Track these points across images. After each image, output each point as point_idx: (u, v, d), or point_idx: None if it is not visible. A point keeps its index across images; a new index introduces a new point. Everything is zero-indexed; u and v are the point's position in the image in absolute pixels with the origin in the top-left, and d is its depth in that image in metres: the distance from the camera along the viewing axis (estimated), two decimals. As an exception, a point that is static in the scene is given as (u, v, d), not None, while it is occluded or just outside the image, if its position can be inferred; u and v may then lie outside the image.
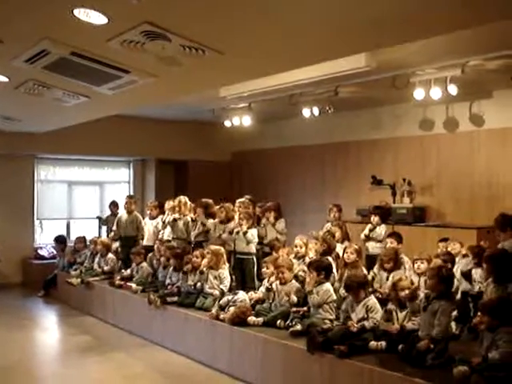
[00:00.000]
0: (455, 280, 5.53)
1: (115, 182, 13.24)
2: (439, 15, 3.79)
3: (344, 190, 10.91)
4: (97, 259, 9.50)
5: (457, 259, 6.51)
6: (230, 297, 6.49)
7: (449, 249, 6.81)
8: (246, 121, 10.45)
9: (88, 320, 8.56)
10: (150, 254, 8.73)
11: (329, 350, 4.90)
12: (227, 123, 10.81)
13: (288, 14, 3.84)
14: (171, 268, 7.72)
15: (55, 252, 11.20)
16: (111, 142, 11.79)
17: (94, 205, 12.76)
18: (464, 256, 6.48)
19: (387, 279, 6.47)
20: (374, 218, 8.01)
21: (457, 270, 6.15)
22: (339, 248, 7.14)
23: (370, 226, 8.03)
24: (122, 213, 9.69)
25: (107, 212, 11.34)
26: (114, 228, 9.67)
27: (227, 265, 7.14)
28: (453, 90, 7.56)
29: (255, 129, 11.11)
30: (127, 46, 4.61)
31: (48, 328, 8.49)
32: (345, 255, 6.65)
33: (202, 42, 4.51)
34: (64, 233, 11.86)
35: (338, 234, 7.46)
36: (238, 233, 7.53)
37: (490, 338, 4.19)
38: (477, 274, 6.02)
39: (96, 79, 5.92)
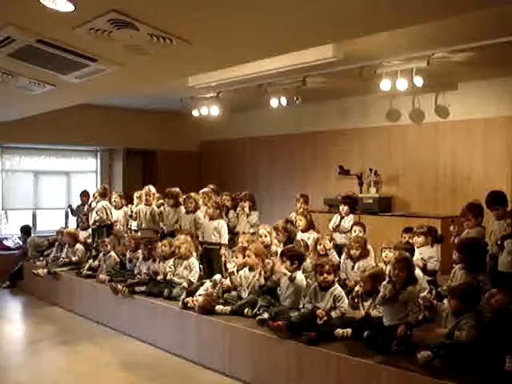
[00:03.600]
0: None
1: (82, 171, 13.09)
2: (410, 6, 3.85)
3: (311, 179, 11.01)
4: (65, 250, 9.39)
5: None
6: (200, 287, 6.52)
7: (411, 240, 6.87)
8: (214, 111, 10.44)
9: (55, 311, 8.50)
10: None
11: (295, 336, 4.97)
12: (195, 113, 10.79)
13: (256, 3, 3.85)
14: (140, 257, 7.69)
15: (21, 243, 11.08)
16: (78, 131, 11.64)
17: (61, 195, 12.61)
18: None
19: (352, 268, 6.57)
20: (344, 208, 8.04)
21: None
22: (305, 237, 7.20)
23: (337, 216, 8.07)
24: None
25: (74, 203, 11.23)
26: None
27: (195, 254, 7.15)
28: (418, 81, 7.67)
29: (223, 119, 11.11)
30: (94, 34, 4.56)
31: (14, 319, 8.39)
32: (318, 247, 6.70)
33: (169, 31, 4.49)
34: (30, 223, 11.73)
35: (302, 223, 7.49)
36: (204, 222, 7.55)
37: (453, 321, 4.35)
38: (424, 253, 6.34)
39: (62, 67, 5.83)
